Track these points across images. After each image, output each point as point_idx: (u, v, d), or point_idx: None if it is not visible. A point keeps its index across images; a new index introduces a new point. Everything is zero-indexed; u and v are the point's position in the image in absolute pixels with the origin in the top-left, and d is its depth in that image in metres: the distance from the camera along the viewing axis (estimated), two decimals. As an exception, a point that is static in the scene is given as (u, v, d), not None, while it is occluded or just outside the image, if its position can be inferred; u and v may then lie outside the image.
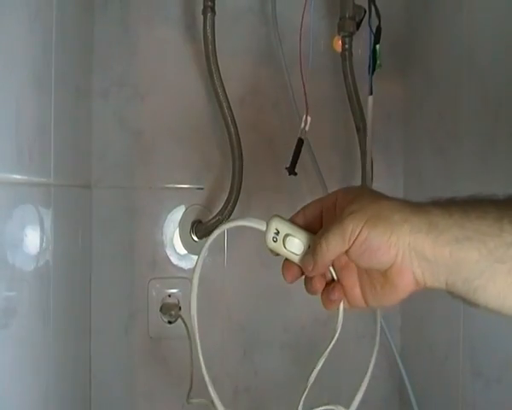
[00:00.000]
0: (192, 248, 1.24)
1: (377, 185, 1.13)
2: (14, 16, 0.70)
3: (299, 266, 0.60)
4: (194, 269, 0.66)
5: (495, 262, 0.49)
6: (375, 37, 1.06)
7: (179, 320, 1.19)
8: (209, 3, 1.09)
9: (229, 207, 1.14)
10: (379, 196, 0.56)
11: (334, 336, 0.63)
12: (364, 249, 0.53)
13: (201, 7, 1.10)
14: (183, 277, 1.23)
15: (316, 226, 0.60)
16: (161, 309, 1.22)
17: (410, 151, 1.33)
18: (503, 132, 1.02)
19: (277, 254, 0.61)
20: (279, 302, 1.26)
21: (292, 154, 1.12)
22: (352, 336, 1.27)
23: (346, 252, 0.54)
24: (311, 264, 0.57)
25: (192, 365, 1.07)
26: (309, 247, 0.59)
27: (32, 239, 0.77)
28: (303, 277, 0.61)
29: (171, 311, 1.20)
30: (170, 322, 1.21)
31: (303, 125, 1.10)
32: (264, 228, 0.60)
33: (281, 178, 1.16)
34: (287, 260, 0.61)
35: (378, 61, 1.06)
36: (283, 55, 1.17)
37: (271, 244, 0.60)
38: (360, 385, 0.67)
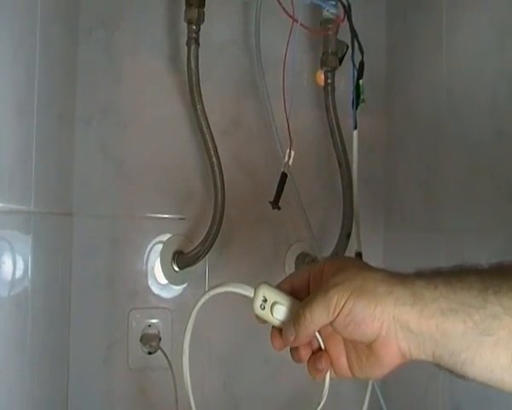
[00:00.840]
0: (173, 279, 1.23)
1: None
2: (-3, 43, 0.70)
3: None
4: (185, 328, 0.64)
5: (481, 334, 0.49)
6: (358, 72, 1.08)
7: (159, 351, 1.18)
8: (193, 35, 1.11)
9: (210, 238, 1.14)
10: (364, 268, 0.56)
11: (320, 402, 0.61)
12: (349, 322, 0.52)
13: (186, 38, 1.12)
14: (164, 307, 1.23)
15: (303, 295, 0.59)
16: (141, 339, 1.20)
17: (391, 184, 1.34)
18: (482, 167, 1.04)
19: (264, 322, 0.60)
20: (260, 334, 1.25)
21: (275, 187, 1.13)
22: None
23: (331, 323, 0.54)
24: (292, 334, 0.56)
25: (177, 402, 1.06)
26: None
27: (10, 266, 0.76)
28: None
29: (151, 342, 1.19)
30: (150, 353, 1.19)
31: (286, 158, 1.10)
32: (251, 295, 0.60)
33: (263, 210, 1.16)
34: (275, 327, 0.60)
35: (362, 96, 1.07)
36: (266, 87, 1.17)
37: (259, 312, 0.59)
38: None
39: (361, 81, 1.07)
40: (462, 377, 0.51)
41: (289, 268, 1.28)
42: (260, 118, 1.26)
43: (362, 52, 1.08)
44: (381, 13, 1.40)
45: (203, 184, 1.24)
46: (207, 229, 1.15)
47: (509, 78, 0.98)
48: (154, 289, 1.23)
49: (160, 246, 1.23)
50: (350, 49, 1.09)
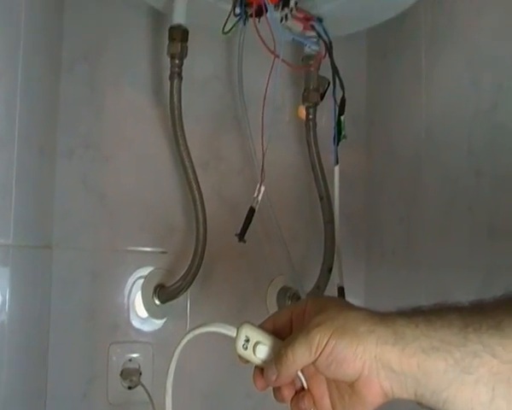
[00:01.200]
0: (154, 313, 1.22)
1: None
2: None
3: None
4: (168, 368, 0.64)
5: (462, 372, 0.49)
6: (339, 108, 1.09)
7: (140, 386, 1.16)
8: (176, 70, 1.11)
9: (192, 272, 1.13)
10: (346, 307, 0.56)
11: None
12: (331, 361, 0.52)
13: (169, 72, 1.12)
14: (145, 341, 1.21)
15: (285, 334, 0.59)
16: (122, 374, 1.19)
17: (372, 219, 1.35)
18: (461, 204, 1.05)
19: (247, 361, 0.60)
20: (242, 370, 1.23)
21: (253, 221, 1.13)
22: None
23: (313, 363, 0.53)
24: (274, 374, 0.56)
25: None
26: None
27: (-13, 299, 0.75)
28: None
29: (131, 376, 1.18)
30: (130, 387, 1.18)
31: (256, 193, 1.11)
32: (234, 335, 0.59)
33: (244, 244, 1.15)
34: (257, 367, 0.59)
35: (343, 132, 1.09)
36: (248, 122, 1.18)
37: (241, 351, 0.59)
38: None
39: (342, 117, 1.09)
40: None
41: (271, 302, 1.28)
42: (242, 152, 1.27)
43: (343, 88, 1.09)
44: (362, 50, 1.42)
45: (185, 218, 1.24)
46: (189, 263, 1.14)
47: (485, 117, 1.00)
48: (135, 323, 1.21)
49: (142, 280, 1.22)
50: (331, 86, 1.11)
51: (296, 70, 1.24)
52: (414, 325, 0.51)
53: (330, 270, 1.17)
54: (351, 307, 0.56)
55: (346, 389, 0.55)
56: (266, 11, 1.01)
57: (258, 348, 0.58)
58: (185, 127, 1.12)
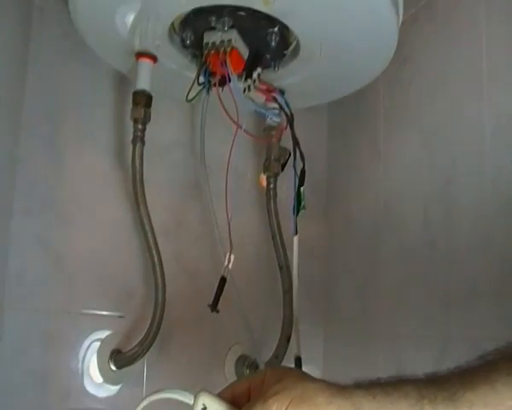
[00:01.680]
0: (110, 378, 1.19)
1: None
2: None
3: None
4: None
5: None
6: (299, 179, 1.11)
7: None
8: (139, 134, 1.11)
9: (149, 337, 1.12)
10: (305, 378, 0.56)
11: None
12: None
13: (131, 136, 1.12)
14: (99, 408, 1.18)
15: (243, 403, 0.59)
16: (73, 442, 1.15)
17: (330, 289, 1.37)
18: (415, 275, 1.07)
19: None
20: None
21: (216, 289, 1.13)
22: None
23: None
24: None
25: None
26: None
27: None
28: None
29: (84, 445, 1.14)
30: (82, 456, 1.14)
31: (226, 263, 1.11)
32: (191, 402, 0.59)
33: (203, 310, 1.13)
34: None
35: (302, 203, 1.10)
36: (210, 190, 1.19)
37: None
38: None
39: (302, 188, 1.10)
40: None
41: (229, 370, 1.27)
42: (203, 219, 1.27)
43: (303, 160, 1.11)
44: (323, 122, 1.45)
45: (144, 283, 1.22)
46: (147, 328, 1.13)
47: (439, 191, 1.04)
48: (90, 388, 1.18)
49: (98, 344, 1.19)
50: (292, 157, 1.13)
51: (258, 141, 1.26)
52: (371, 396, 0.52)
53: (289, 339, 1.17)
54: (309, 377, 0.56)
55: None
56: (229, 81, 1.02)
57: None
58: (146, 192, 1.12)
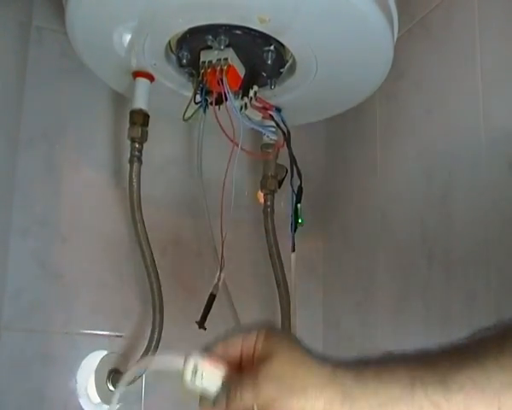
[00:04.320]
0: (108, 399, 1.17)
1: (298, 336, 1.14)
2: None
3: None
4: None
5: None
6: (296, 196, 1.11)
7: None
8: (136, 153, 1.11)
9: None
10: (297, 357, 0.55)
11: None
12: None
13: (128, 155, 1.12)
14: (96, 428, 1.17)
15: (235, 365, 0.57)
16: None
17: (329, 303, 1.36)
18: (413, 289, 1.07)
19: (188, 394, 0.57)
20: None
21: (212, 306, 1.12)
22: None
23: None
24: (223, 405, 0.55)
25: None
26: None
27: None
28: None
29: None
30: None
31: (216, 280, 1.11)
32: (181, 366, 0.56)
33: (201, 329, 1.14)
34: (203, 399, 0.57)
35: (300, 220, 1.10)
36: (207, 206, 1.19)
37: (188, 383, 0.55)
38: None
39: (299, 205, 1.10)
40: None
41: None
42: (200, 236, 1.27)
43: (300, 177, 1.12)
44: (321, 138, 1.46)
45: (141, 301, 1.22)
46: (145, 347, 1.12)
47: (436, 204, 1.04)
48: (87, 408, 1.17)
49: (95, 364, 1.18)
50: (289, 174, 1.13)
51: (255, 157, 1.26)
52: (362, 382, 0.51)
53: (287, 356, 1.16)
54: (301, 356, 0.55)
55: None
56: (226, 100, 1.03)
57: (206, 377, 0.55)
58: (144, 210, 1.12)
